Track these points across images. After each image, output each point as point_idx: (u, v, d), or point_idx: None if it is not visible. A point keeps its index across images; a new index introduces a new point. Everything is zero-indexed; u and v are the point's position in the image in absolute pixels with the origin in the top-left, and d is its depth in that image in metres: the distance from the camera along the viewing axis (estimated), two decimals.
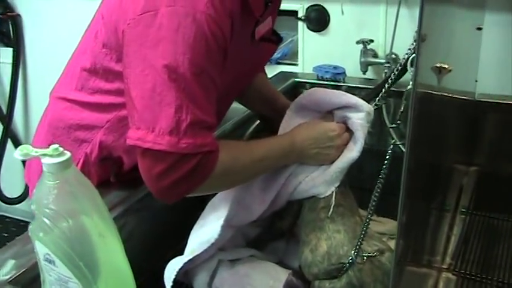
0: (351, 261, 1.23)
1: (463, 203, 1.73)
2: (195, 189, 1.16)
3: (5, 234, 3.58)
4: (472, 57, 1.80)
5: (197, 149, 1.11)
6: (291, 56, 2.53)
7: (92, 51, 1.30)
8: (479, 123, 1.95)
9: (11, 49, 3.27)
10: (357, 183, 1.46)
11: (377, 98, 1.39)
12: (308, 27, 2.42)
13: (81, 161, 1.35)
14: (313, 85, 2.15)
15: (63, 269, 0.94)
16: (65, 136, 1.36)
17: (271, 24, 1.41)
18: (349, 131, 1.37)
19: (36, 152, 0.92)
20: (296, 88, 2.19)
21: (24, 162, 1.45)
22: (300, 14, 2.45)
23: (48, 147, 0.93)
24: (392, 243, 1.36)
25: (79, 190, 0.94)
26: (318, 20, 2.39)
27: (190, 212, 1.37)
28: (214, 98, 1.16)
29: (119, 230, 1.02)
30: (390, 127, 1.28)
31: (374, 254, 1.24)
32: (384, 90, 1.35)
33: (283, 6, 2.56)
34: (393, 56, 2.17)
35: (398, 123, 1.15)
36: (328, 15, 2.37)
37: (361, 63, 2.22)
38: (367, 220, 1.21)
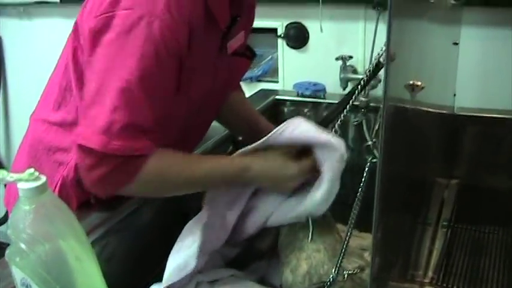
0: (331, 279, 1.22)
1: (444, 216, 1.74)
2: (124, 189, 1.18)
3: None
4: (450, 72, 1.82)
5: (127, 152, 1.12)
6: (271, 74, 2.55)
7: (67, 68, 1.30)
8: (459, 137, 1.96)
9: None
10: (337, 197, 1.46)
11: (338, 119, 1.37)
12: (288, 45, 2.44)
13: (59, 183, 1.34)
14: (293, 102, 2.17)
15: None
16: (45, 158, 1.36)
17: (244, 39, 1.42)
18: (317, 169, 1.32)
19: (11, 177, 0.91)
20: (277, 106, 2.20)
21: (5, 185, 1.45)
22: (280, 32, 2.46)
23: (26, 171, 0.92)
24: None
25: (55, 214, 0.94)
26: (297, 37, 2.41)
27: (172, 232, 1.37)
28: (160, 105, 1.16)
29: (99, 252, 1.02)
30: (367, 145, 1.28)
31: (354, 271, 1.24)
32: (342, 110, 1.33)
33: (263, 23, 2.58)
34: None
35: (374, 142, 1.16)
36: (308, 32, 2.39)
37: (341, 79, 2.24)
38: (347, 237, 1.21)
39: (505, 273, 1.48)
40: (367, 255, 1.44)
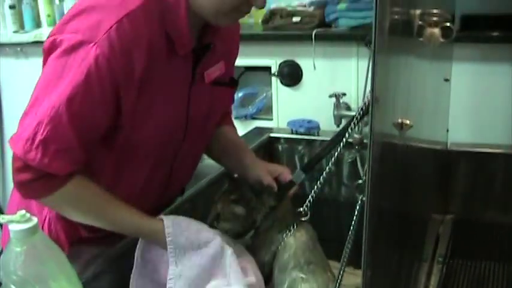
0: None
1: (440, 252, 1.73)
2: (39, 199, 1.27)
3: None
4: (442, 108, 1.83)
5: (41, 166, 1.18)
6: (266, 111, 2.57)
7: None
8: (453, 172, 1.97)
9: None
10: (331, 235, 1.46)
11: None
12: (281, 82, 2.46)
13: (47, 219, 1.37)
14: (288, 140, 2.17)
15: None
16: None
17: (223, 69, 1.43)
18: None
19: (3, 218, 0.92)
20: (271, 143, 2.21)
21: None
22: (273, 70, 2.49)
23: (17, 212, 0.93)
24: None
25: (46, 255, 0.94)
26: (291, 75, 2.44)
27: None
28: (88, 131, 1.21)
29: None
30: (357, 183, 1.29)
31: None
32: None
33: (257, 62, 2.62)
34: None
35: (364, 180, 1.16)
36: (301, 70, 2.41)
37: (334, 116, 2.25)
38: (340, 276, 1.21)
39: None
40: None
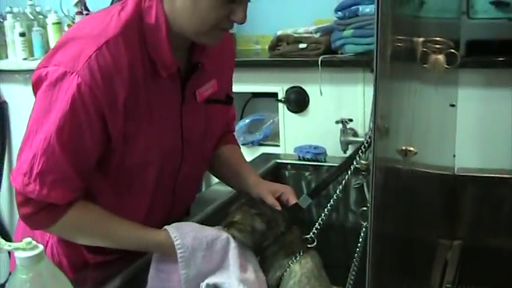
0: None
1: (448, 278, 1.71)
2: (45, 229, 1.30)
3: None
4: (448, 133, 1.83)
5: (40, 197, 1.21)
6: (273, 137, 2.57)
7: None
8: (460, 197, 1.96)
9: None
10: (340, 261, 1.46)
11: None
12: (288, 109, 2.47)
13: (49, 244, 1.39)
14: (294, 166, 2.17)
15: None
16: None
17: (216, 86, 1.43)
18: None
19: (9, 245, 0.92)
20: (278, 169, 2.21)
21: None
22: (280, 96, 2.50)
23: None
24: None
25: (52, 283, 0.94)
26: (298, 101, 2.44)
27: None
28: (81, 157, 1.23)
29: None
30: (361, 210, 1.28)
31: None
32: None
33: (263, 88, 2.63)
34: None
35: (368, 206, 1.16)
36: (307, 96, 2.42)
37: (341, 142, 2.25)
38: None
39: None
40: None
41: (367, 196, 2.02)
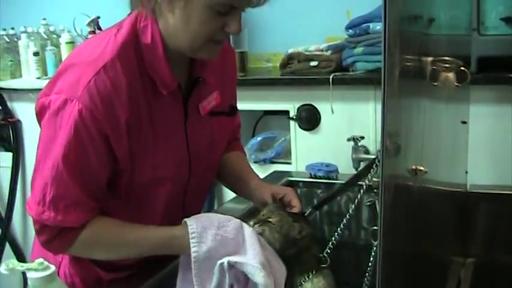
0: None
1: None
2: (64, 253, 1.35)
3: None
4: (460, 150, 1.83)
5: (56, 223, 1.25)
6: (284, 155, 2.57)
7: None
8: (473, 214, 1.95)
9: (10, 153, 3.36)
10: (352, 279, 1.45)
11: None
12: (300, 126, 2.48)
13: (62, 264, 1.41)
14: (306, 183, 2.17)
15: None
16: None
17: (219, 99, 1.44)
18: None
19: (21, 266, 0.93)
20: (290, 187, 2.21)
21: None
22: (292, 114, 2.51)
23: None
24: None
25: None
26: (309, 119, 2.45)
27: None
28: (89, 180, 1.26)
29: None
30: (372, 229, 1.28)
31: None
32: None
33: (275, 106, 2.64)
34: None
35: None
36: (319, 114, 2.43)
37: (353, 159, 2.25)
38: None
39: None
40: None
41: (379, 214, 2.02)
